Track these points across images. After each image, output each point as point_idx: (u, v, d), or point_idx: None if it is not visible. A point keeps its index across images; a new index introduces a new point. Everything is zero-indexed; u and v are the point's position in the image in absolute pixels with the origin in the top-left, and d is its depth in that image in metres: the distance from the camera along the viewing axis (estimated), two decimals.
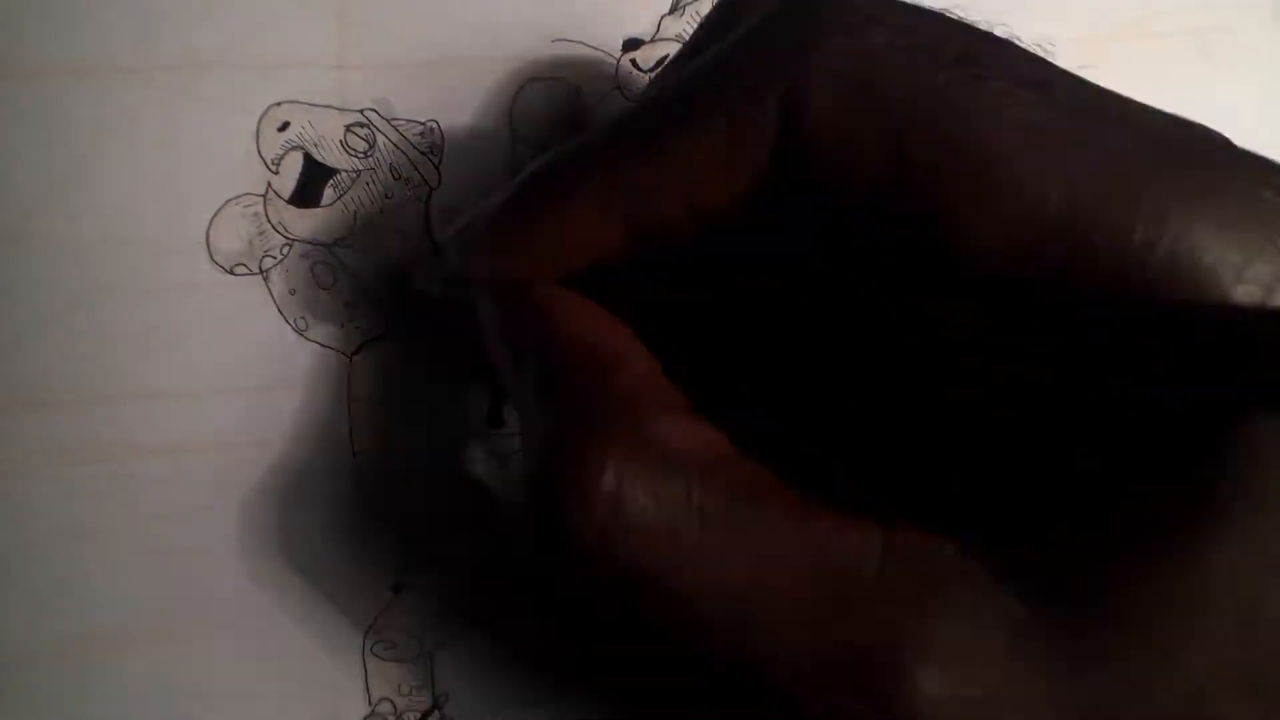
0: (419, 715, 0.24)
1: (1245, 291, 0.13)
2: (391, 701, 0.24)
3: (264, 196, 0.25)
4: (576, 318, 0.17)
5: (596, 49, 0.27)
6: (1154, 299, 0.13)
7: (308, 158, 0.25)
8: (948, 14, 0.16)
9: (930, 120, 0.14)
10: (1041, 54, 0.17)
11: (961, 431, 0.16)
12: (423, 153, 0.26)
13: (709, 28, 0.19)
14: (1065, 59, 0.28)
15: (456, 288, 0.20)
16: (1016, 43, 0.16)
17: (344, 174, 0.25)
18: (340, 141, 0.25)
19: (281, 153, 0.25)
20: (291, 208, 0.25)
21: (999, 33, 0.17)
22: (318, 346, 0.25)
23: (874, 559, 0.14)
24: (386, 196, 0.25)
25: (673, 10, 0.27)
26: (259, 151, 0.25)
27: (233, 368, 0.24)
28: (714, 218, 0.16)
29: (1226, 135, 0.17)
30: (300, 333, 0.25)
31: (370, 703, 0.24)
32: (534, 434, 0.16)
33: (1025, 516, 0.14)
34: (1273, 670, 0.13)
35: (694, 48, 0.20)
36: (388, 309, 0.25)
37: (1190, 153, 0.14)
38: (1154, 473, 0.14)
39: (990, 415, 0.15)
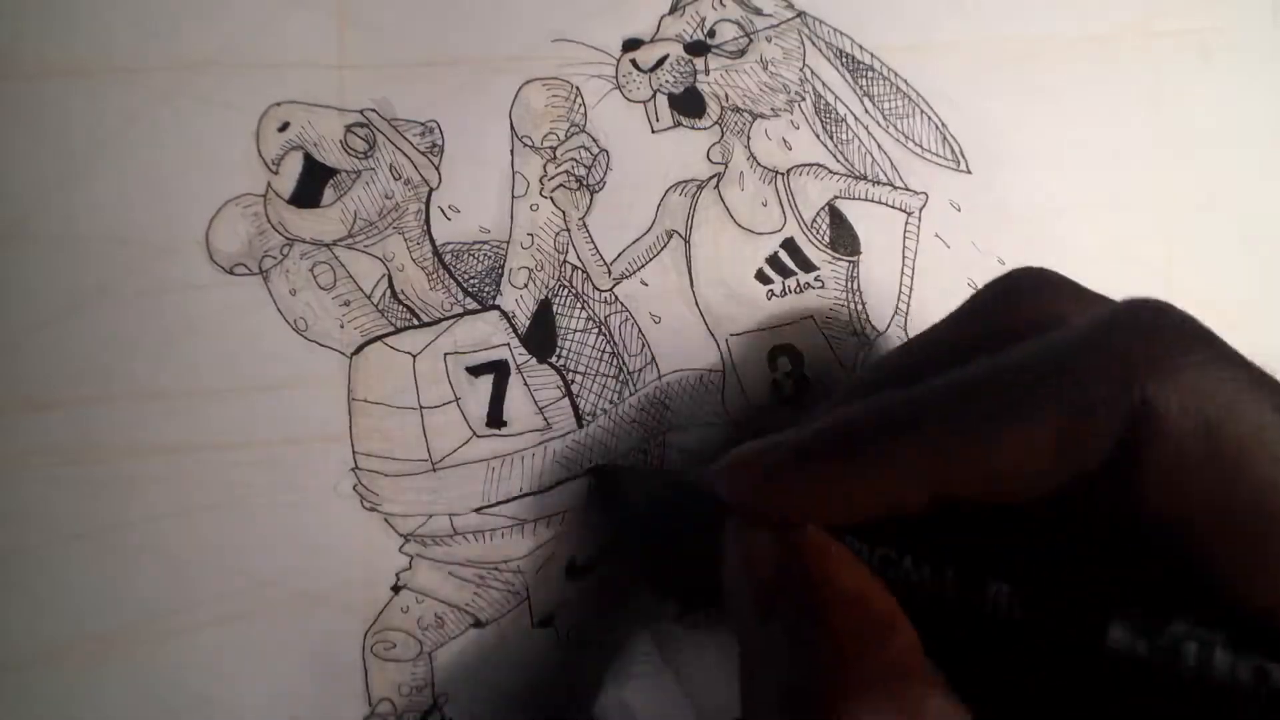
0: (418, 715, 0.24)
1: None
2: (391, 702, 0.24)
3: (264, 196, 0.25)
4: (852, 574, 0.17)
5: (596, 49, 0.27)
6: None
7: (308, 158, 0.25)
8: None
9: (1274, 486, 0.14)
10: None
11: None
12: (423, 153, 0.26)
13: (988, 301, 0.19)
14: (1066, 58, 0.28)
15: (712, 511, 0.20)
16: None
17: (344, 174, 0.25)
18: (340, 141, 0.25)
19: (281, 153, 0.25)
20: (291, 208, 0.25)
21: None
22: (317, 346, 0.25)
23: None
24: (386, 196, 0.25)
25: (672, 10, 0.27)
26: (259, 151, 0.25)
27: (232, 368, 0.24)
28: (1016, 505, 0.16)
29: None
30: (300, 333, 0.25)
31: (370, 703, 0.24)
32: (781, 674, 0.16)
33: None
34: None
35: (971, 317, 0.20)
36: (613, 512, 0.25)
37: None
38: None
39: None
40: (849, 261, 0.27)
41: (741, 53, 0.27)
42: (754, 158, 0.27)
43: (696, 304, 0.26)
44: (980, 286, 0.20)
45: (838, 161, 0.27)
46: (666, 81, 0.27)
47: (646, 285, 0.26)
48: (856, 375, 0.21)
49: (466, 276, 0.26)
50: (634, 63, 0.27)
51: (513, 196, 0.26)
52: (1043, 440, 0.15)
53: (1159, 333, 0.15)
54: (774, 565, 0.18)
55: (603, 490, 0.25)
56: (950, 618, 0.17)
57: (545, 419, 0.26)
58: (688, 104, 0.27)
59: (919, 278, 0.27)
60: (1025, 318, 0.18)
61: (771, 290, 0.27)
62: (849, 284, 0.27)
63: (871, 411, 0.17)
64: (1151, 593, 0.15)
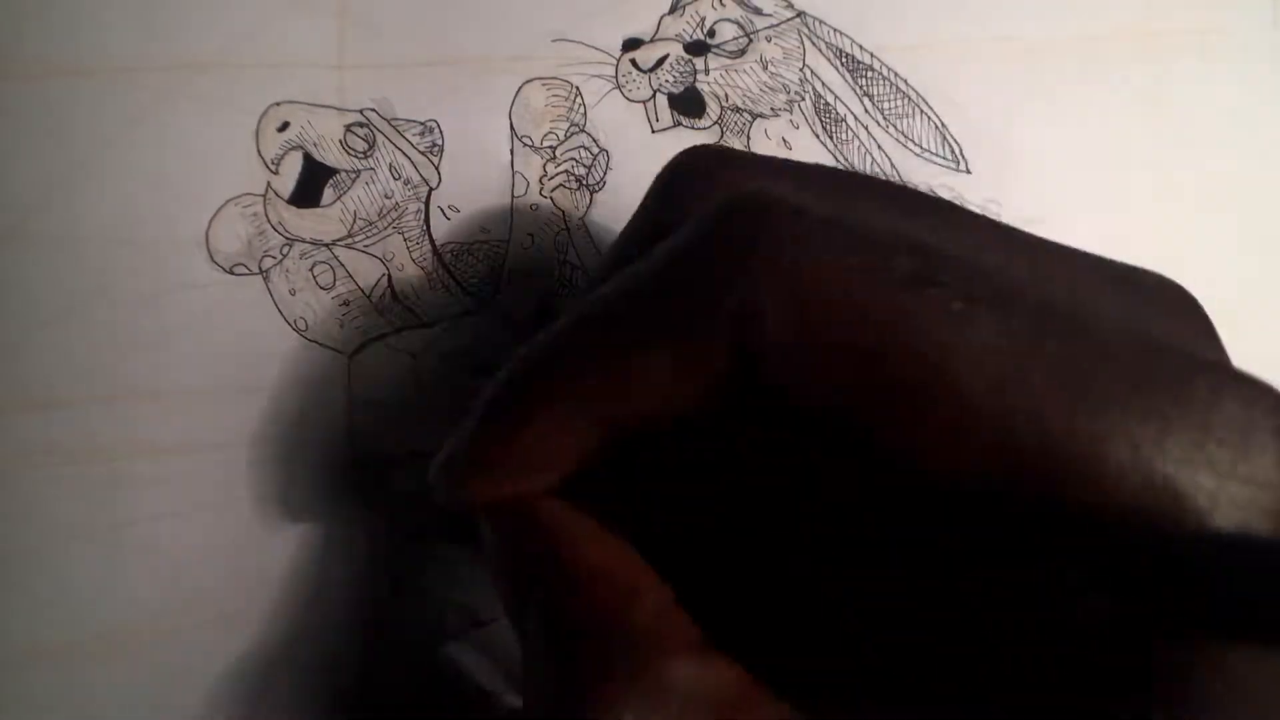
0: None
1: (1223, 517, 0.12)
2: None
3: (263, 196, 0.25)
4: (588, 542, 0.17)
5: (596, 48, 0.27)
6: (1127, 526, 0.13)
7: (307, 158, 0.25)
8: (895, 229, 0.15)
9: (889, 345, 0.13)
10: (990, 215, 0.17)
11: (930, 641, 0.15)
12: (422, 152, 0.26)
13: (655, 201, 0.19)
14: (1066, 58, 0.28)
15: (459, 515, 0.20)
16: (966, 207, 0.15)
17: (344, 174, 0.25)
18: (340, 141, 0.25)
19: (281, 153, 0.25)
20: (291, 208, 0.25)
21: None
22: (317, 346, 0.25)
23: None
24: (386, 196, 0.25)
25: (672, 10, 0.27)
26: (259, 151, 0.25)
27: (232, 368, 0.24)
28: (680, 420, 0.16)
29: (1193, 304, 0.17)
30: (300, 333, 0.25)
31: None
32: (543, 670, 0.16)
33: None
34: None
35: (641, 225, 0.19)
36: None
37: (1159, 369, 0.13)
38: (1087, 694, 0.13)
39: (946, 628, 0.15)
40: None
41: (741, 52, 0.27)
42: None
43: None
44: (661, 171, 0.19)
45: (838, 161, 0.27)
46: (666, 81, 0.27)
47: None
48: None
49: (466, 276, 0.26)
50: (634, 62, 0.27)
51: (512, 196, 0.26)
52: (662, 368, 0.15)
53: (747, 224, 0.15)
54: (515, 552, 0.17)
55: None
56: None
57: None
58: (687, 104, 0.27)
59: None
60: (683, 212, 0.17)
61: None
62: None
63: (530, 355, 0.17)
64: None
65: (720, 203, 0.15)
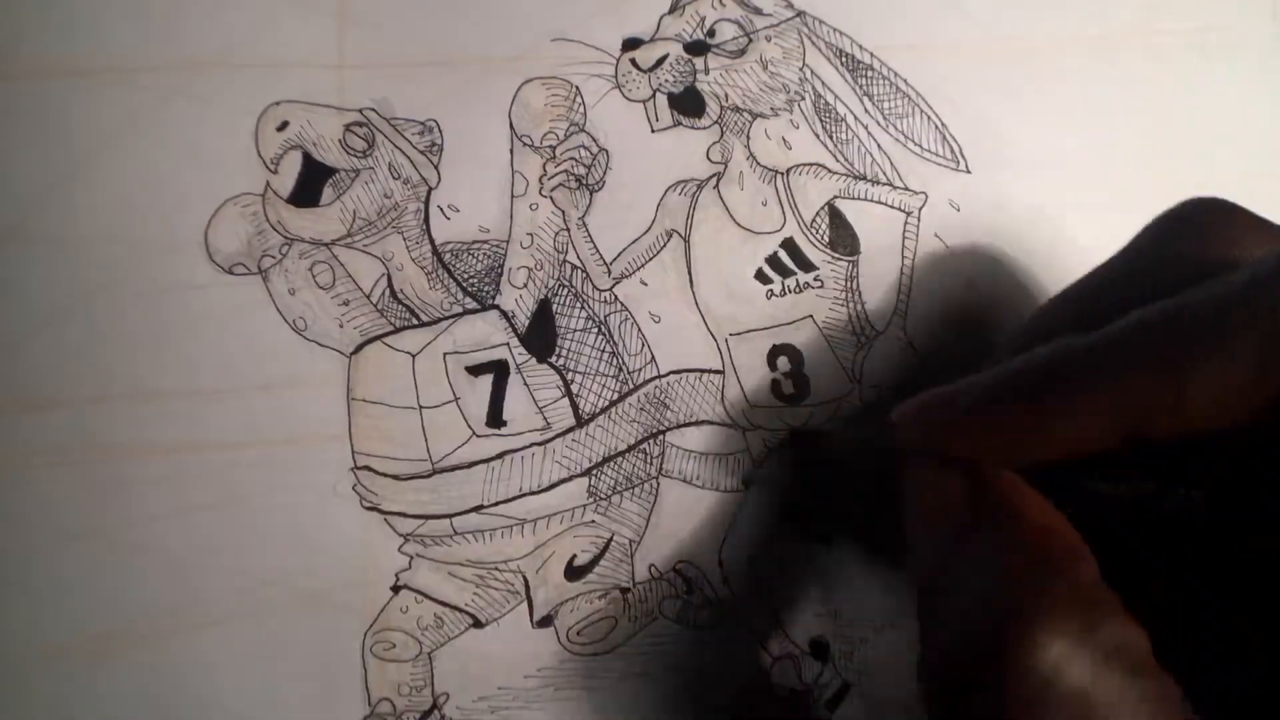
0: (418, 716, 0.24)
1: None
2: (390, 702, 0.24)
3: (263, 196, 0.25)
4: (1041, 509, 0.18)
5: (596, 48, 0.27)
6: None
7: (307, 157, 0.25)
8: None
9: None
10: None
11: None
12: (422, 152, 0.26)
13: (1165, 229, 0.19)
14: (1066, 58, 0.28)
15: (887, 455, 0.21)
16: None
17: (343, 173, 0.25)
18: (339, 141, 0.25)
19: (280, 152, 0.25)
20: (290, 207, 0.25)
21: None
22: (316, 346, 0.25)
23: None
24: (385, 196, 0.25)
25: (672, 10, 0.27)
26: (258, 151, 0.25)
27: (232, 367, 0.24)
28: (1210, 433, 0.16)
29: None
30: (299, 332, 0.25)
31: (369, 703, 0.24)
32: (971, 599, 0.17)
33: None
34: None
35: (1153, 245, 0.20)
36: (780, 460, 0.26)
37: None
38: None
39: None
40: (848, 261, 0.27)
41: (741, 52, 0.27)
42: (753, 157, 0.27)
43: (696, 304, 0.26)
44: (1149, 221, 0.20)
45: (837, 161, 0.27)
46: (666, 81, 0.27)
47: (646, 285, 0.26)
48: (1021, 326, 0.21)
49: (466, 276, 0.26)
50: (633, 62, 0.27)
51: (512, 196, 0.26)
52: (1239, 375, 0.15)
53: None
54: (966, 501, 0.18)
55: (798, 454, 0.26)
56: (1136, 536, 0.17)
57: (545, 419, 0.25)
58: (687, 103, 0.27)
59: (918, 277, 0.27)
60: (1200, 251, 0.18)
61: (771, 290, 0.27)
62: (848, 283, 0.27)
63: (1059, 354, 0.17)
64: None
65: None
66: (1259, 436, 0.16)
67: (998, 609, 0.16)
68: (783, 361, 0.27)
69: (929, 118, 0.28)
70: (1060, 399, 0.17)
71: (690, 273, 0.26)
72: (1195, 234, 0.18)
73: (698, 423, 0.26)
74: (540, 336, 0.26)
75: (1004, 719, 0.15)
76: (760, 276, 0.27)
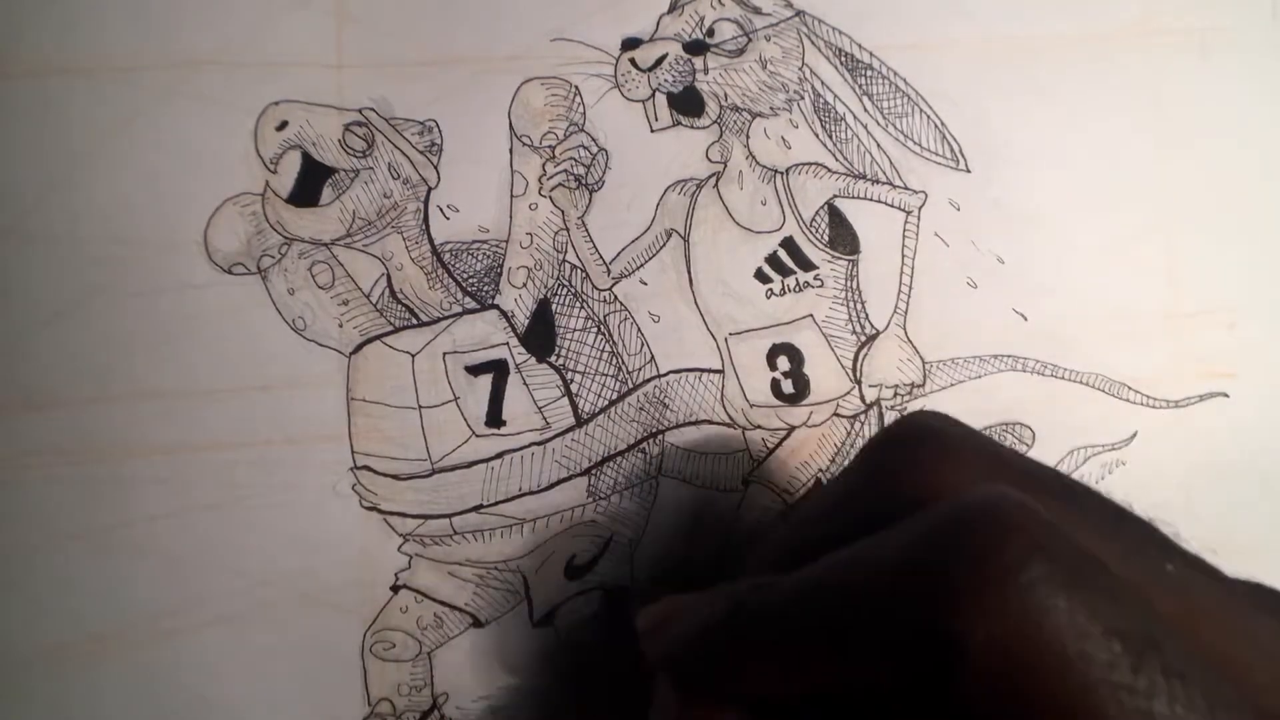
0: (418, 716, 0.24)
1: None
2: (390, 702, 0.24)
3: (262, 196, 0.25)
4: None
5: (595, 48, 0.27)
6: None
7: (306, 157, 0.25)
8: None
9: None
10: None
11: None
12: (421, 152, 0.26)
13: (871, 458, 0.20)
14: (1066, 58, 0.28)
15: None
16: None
17: (342, 173, 0.25)
18: (338, 141, 0.25)
19: (280, 152, 0.25)
20: (290, 207, 0.25)
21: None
22: (316, 346, 0.25)
23: None
24: (385, 196, 0.25)
25: (671, 9, 0.27)
26: (257, 151, 0.25)
27: (231, 367, 0.24)
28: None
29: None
30: (299, 332, 0.25)
31: (369, 703, 0.24)
32: None
33: None
34: None
35: (849, 491, 0.20)
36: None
37: None
38: None
39: None
40: (848, 260, 0.27)
41: (740, 52, 0.27)
42: (753, 157, 0.27)
43: (695, 303, 0.26)
44: (868, 441, 0.21)
45: (837, 160, 0.27)
46: (665, 80, 0.27)
47: (645, 284, 0.26)
48: (779, 532, 0.22)
49: (465, 276, 0.26)
50: (633, 62, 0.27)
51: (511, 196, 0.26)
52: (859, 664, 0.16)
53: (978, 550, 0.15)
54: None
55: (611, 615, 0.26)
56: None
57: (544, 418, 0.25)
58: (687, 103, 0.27)
59: (918, 276, 0.27)
60: (908, 478, 0.18)
61: (771, 289, 0.27)
62: (848, 283, 0.27)
63: (745, 608, 0.18)
64: None
65: (959, 504, 0.16)
66: None
67: None
68: (782, 361, 0.27)
69: (928, 117, 0.28)
70: (736, 653, 0.18)
71: (690, 272, 0.26)
72: (903, 461, 0.19)
73: (697, 422, 0.26)
74: (540, 336, 0.26)
75: None
76: (760, 276, 0.27)
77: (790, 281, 0.27)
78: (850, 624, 0.16)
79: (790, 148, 0.27)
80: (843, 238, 0.27)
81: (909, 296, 0.27)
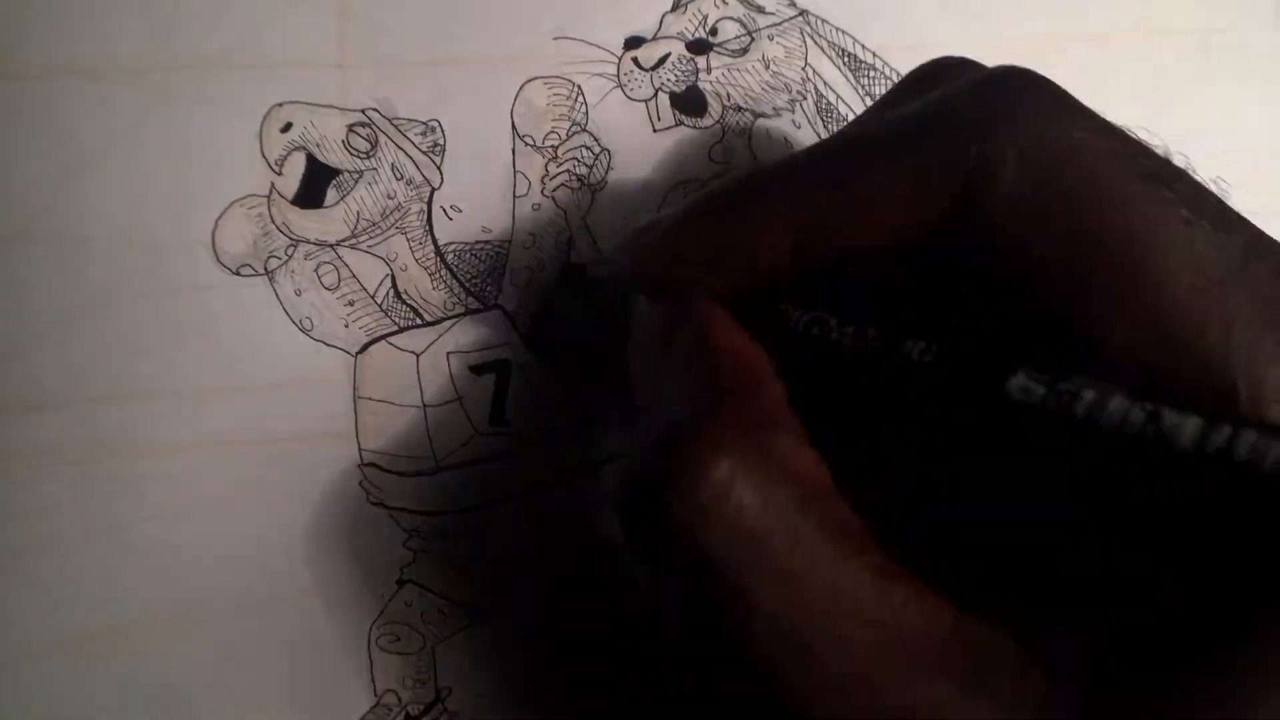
0: (422, 708, 0.25)
1: None
2: (395, 694, 0.25)
3: (268, 197, 0.25)
4: (729, 333, 0.18)
5: (598, 47, 0.27)
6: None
7: (310, 158, 0.25)
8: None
9: (1113, 226, 0.15)
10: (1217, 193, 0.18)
11: (1033, 506, 0.17)
12: (424, 152, 0.26)
13: (907, 86, 0.20)
14: (1066, 58, 0.28)
15: (620, 286, 0.21)
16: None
17: (346, 174, 0.25)
18: (342, 142, 0.25)
19: (284, 153, 0.25)
20: (295, 208, 0.25)
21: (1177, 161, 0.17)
22: (323, 346, 0.25)
23: (942, 635, 0.15)
24: (389, 197, 0.26)
25: (674, 8, 0.27)
26: (262, 152, 0.25)
27: (238, 367, 0.25)
28: (876, 260, 0.17)
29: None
30: (305, 333, 0.25)
31: (375, 694, 0.25)
32: (657, 418, 0.17)
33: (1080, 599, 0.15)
34: None
35: (889, 102, 0.20)
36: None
37: None
38: (1203, 591, 0.14)
39: (1061, 495, 0.16)
40: None
41: (744, 51, 0.27)
42: (756, 157, 0.27)
43: None
44: (898, 80, 0.21)
45: None
46: (668, 80, 0.27)
47: None
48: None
49: (469, 276, 0.26)
50: (635, 61, 0.27)
51: (514, 196, 0.26)
52: (895, 190, 0.17)
53: (1007, 91, 0.16)
54: (665, 325, 0.19)
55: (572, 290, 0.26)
56: (853, 376, 0.18)
57: (547, 417, 0.26)
58: (689, 103, 0.27)
59: None
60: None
61: None
62: None
63: (745, 175, 0.19)
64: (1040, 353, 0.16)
65: (993, 69, 0.17)
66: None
67: (674, 425, 0.16)
68: None
69: None
70: (740, 215, 0.18)
71: None
72: (927, 86, 0.19)
73: None
74: (543, 336, 0.26)
75: (672, 537, 0.15)
76: None
77: None
78: (869, 164, 0.17)
79: (793, 148, 0.27)
80: None
81: None
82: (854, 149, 0.17)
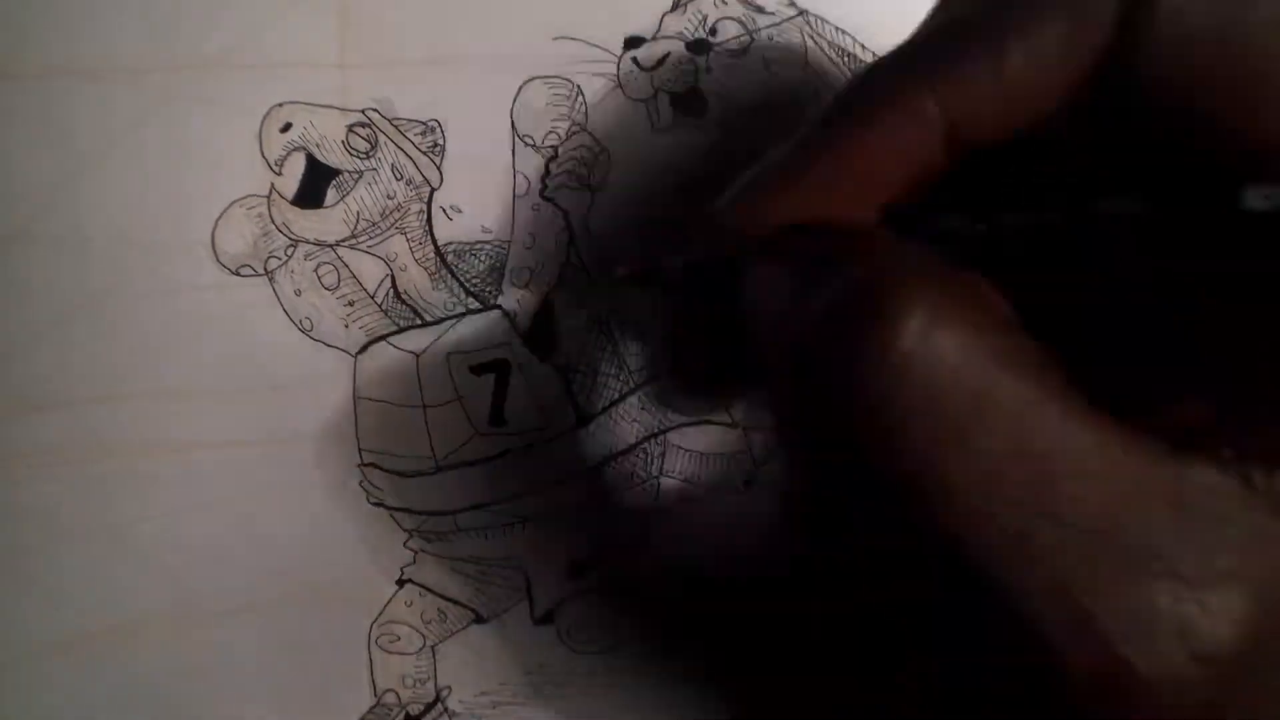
0: (422, 708, 0.25)
1: None
2: (395, 693, 0.25)
3: (268, 198, 0.25)
4: (890, 248, 0.16)
5: (598, 46, 0.27)
6: None
7: (310, 159, 0.25)
8: None
9: (1260, 49, 0.15)
10: None
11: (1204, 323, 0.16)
12: (424, 152, 0.26)
13: None
14: None
15: (719, 255, 0.18)
16: None
17: (346, 174, 0.25)
18: (342, 142, 0.25)
19: (284, 154, 0.25)
20: (295, 209, 0.25)
21: None
22: (323, 346, 0.25)
23: (1167, 486, 0.13)
24: (389, 197, 0.26)
25: (674, 8, 0.27)
26: (262, 153, 0.25)
27: (239, 368, 0.25)
28: (1032, 123, 0.16)
29: None
30: (305, 333, 0.25)
31: (375, 694, 0.25)
32: (818, 299, 0.15)
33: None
34: None
35: None
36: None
37: None
38: None
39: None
40: None
41: (744, 51, 0.27)
42: (755, 157, 0.27)
43: None
44: None
45: None
46: (668, 80, 0.27)
47: None
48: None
49: (468, 276, 0.26)
50: (635, 61, 0.27)
51: (514, 196, 0.26)
52: (1047, 38, 0.15)
53: None
54: (813, 249, 0.16)
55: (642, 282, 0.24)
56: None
57: (546, 417, 0.26)
58: (689, 103, 0.27)
59: None
60: None
61: None
62: None
63: (869, 71, 0.17)
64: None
65: None
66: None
67: (850, 287, 0.14)
68: None
69: None
70: (881, 107, 0.16)
71: None
72: None
73: (699, 422, 0.27)
74: (542, 336, 0.26)
75: (868, 380, 0.13)
76: None
77: None
78: (1012, 24, 0.15)
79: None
80: None
81: None
82: (987, 10, 0.16)
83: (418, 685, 0.25)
